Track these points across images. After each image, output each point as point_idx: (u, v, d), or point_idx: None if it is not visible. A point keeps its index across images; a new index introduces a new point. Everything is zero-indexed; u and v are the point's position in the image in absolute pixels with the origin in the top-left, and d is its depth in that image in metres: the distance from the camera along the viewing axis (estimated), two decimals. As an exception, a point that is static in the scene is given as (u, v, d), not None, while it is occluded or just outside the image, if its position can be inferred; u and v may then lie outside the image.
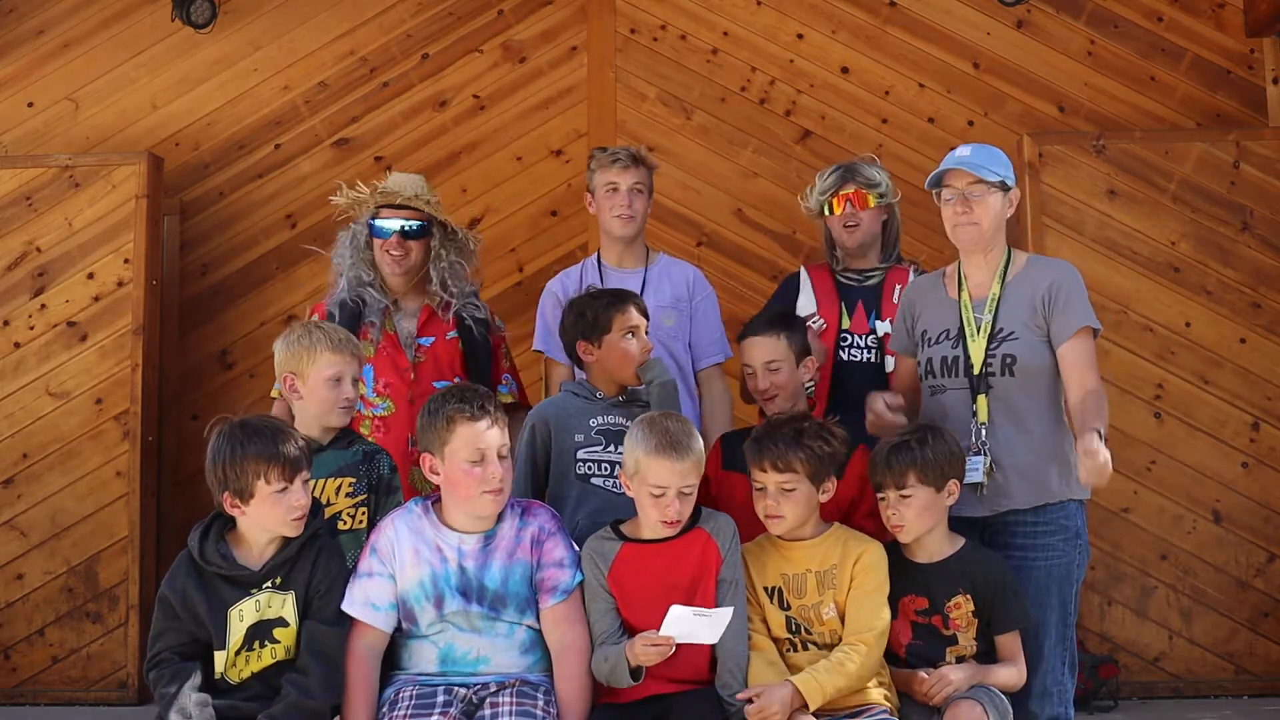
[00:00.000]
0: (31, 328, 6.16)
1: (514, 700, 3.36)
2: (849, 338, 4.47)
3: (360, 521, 3.78)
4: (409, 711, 3.33)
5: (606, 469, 3.87)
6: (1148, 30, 6.40)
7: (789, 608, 3.54)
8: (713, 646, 3.44)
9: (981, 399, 3.73)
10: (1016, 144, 6.05)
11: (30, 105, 6.59)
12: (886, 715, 3.40)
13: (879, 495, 3.63)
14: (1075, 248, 5.87)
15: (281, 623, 3.42)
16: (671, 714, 3.38)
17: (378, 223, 4.49)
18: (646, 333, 4.01)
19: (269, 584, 3.42)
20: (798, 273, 4.71)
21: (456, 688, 3.41)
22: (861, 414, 3.86)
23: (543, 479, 3.94)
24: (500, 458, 3.48)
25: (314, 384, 3.83)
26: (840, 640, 3.48)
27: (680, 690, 3.43)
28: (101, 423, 6.06)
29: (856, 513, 3.81)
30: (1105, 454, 3.40)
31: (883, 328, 4.42)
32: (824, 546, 3.57)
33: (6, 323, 6.16)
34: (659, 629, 3.33)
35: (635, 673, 3.38)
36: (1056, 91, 6.40)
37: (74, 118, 6.58)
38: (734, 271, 6.32)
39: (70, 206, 6.20)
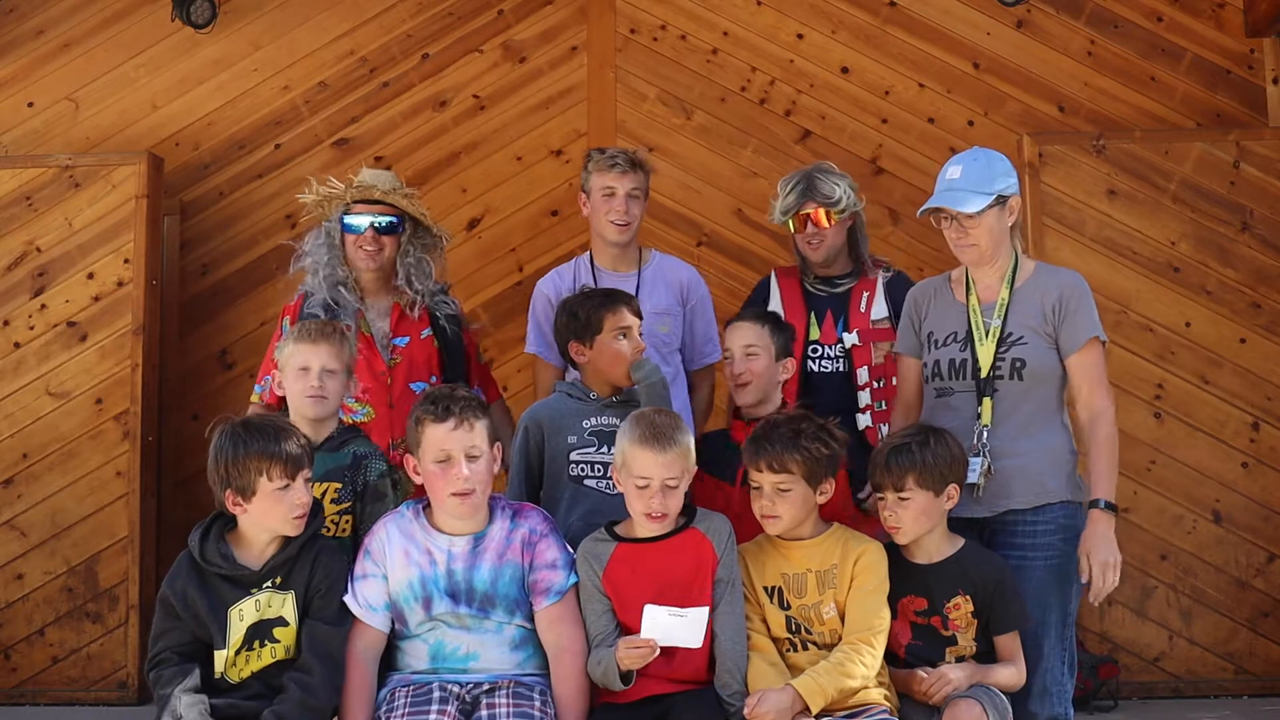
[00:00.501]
0: (31, 328, 6.16)
1: (511, 701, 3.36)
2: (819, 348, 4.46)
3: (344, 530, 3.77)
4: (406, 711, 3.33)
5: (600, 470, 3.85)
6: (1148, 30, 6.41)
7: (789, 607, 3.54)
8: (712, 646, 3.45)
9: (986, 401, 3.73)
10: (1016, 144, 6.05)
11: (30, 105, 6.59)
12: (886, 715, 3.39)
13: (878, 496, 3.63)
14: (1075, 248, 5.87)
15: (281, 622, 3.43)
16: (671, 714, 3.38)
17: (350, 219, 4.46)
18: (640, 333, 4.00)
19: (269, 584, 3.43)
20: (768, 278, 4.69)
21: (450, 686, 3.41)
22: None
23: (537, 481, 3.91)
24: (470, 459, 3.44)
25: (288, 376, 3.85)
26: (840, 640, 3.48)
27: (680, 690, 3.43)
28: (101, 423, 6.06)
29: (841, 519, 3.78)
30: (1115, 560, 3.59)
31: (849, 339, 4.42)
32: (824, 546, 3.57)
33: (6, 323, 6.17)
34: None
35: (625, 677, 3.38)
36: (1056, 91, 6.40)
37: (74, 118, 6.58)
38: (734, 271, 6.32)
39: (70, 206, 6.20)
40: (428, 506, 3.58)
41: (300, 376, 3.82)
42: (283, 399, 3.94)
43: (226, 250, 6.53)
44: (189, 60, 6.59)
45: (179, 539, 3.87)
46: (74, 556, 5.98)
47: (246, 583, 3.42)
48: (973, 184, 3.71)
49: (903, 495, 3.55)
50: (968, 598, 3.56)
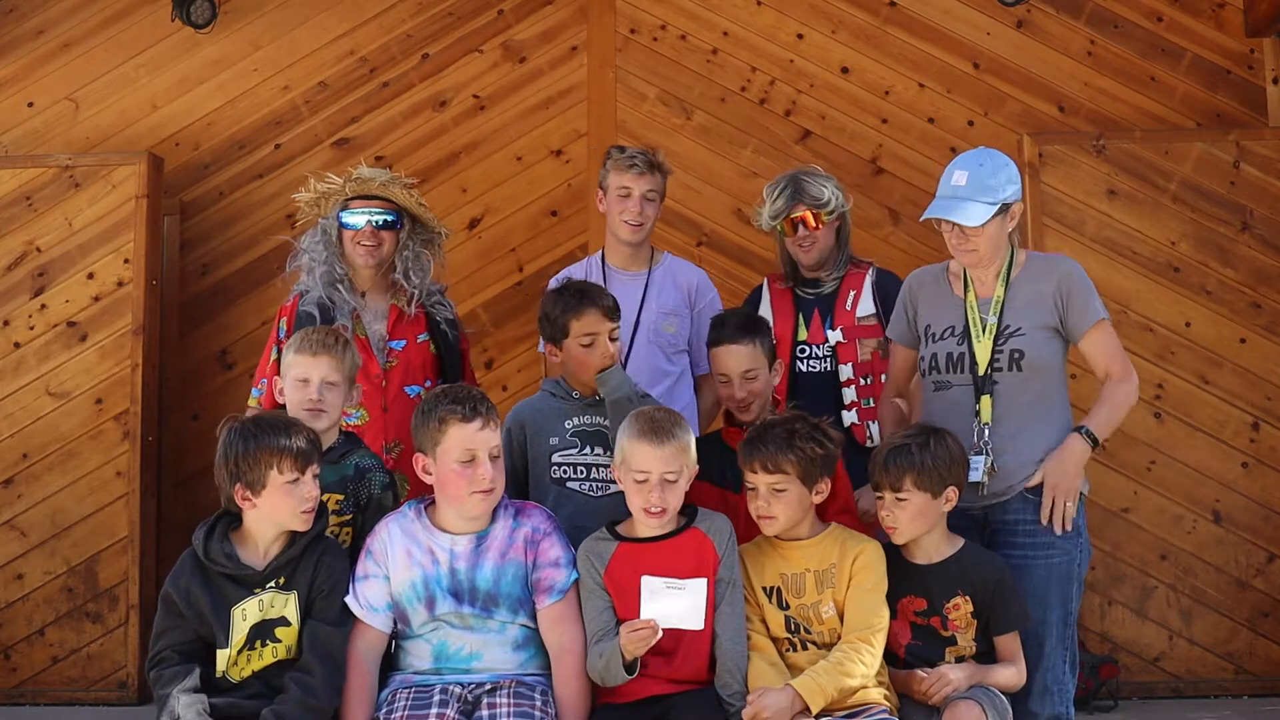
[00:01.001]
0: (31, 328, 6.16)
1: (511, 701, 3.36)
2: (807, 349, 4.47)
3: (344, 541, 3.75)
4: (406, 712, 3.33)
5: (583, 472, 3.82)
6: (1148, 30, 6.40)
7: (788, 607, 3.54)
8: (712, 647, 3.45)
9: (985, 399, 3.73)
10: (1016, 144, 6.05)
11: (30, 105, 6.59)
12: (886, 715, 3.39)
13: (876, 495, 3.63)
14: (1075, 248, 5.86)
15: (284, 622, 3.43)
16: (671, 714, 3.38)
17: (348, 216, 4.44)
18: (614, 338, 3.89)
19: (273, 583, 3.43)
20: (761, 285, 4.71)
21: (451, 687, 3.41)
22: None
23: (523, 482, 3.87)
24: (492, 459, 3.47)
25: (288, 385, 3.84)
26: (840, 639, 3.48)
27: (680, 691, 3.42)
28: (101, 423, 6.06)
29: (826, 515, 3.75)
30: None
31: (834, 335, 4.43)
32: (822, 546, 3.57)
33: (6, 323, 6.17)
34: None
35: (630, 666, 3.38)
36: (1056, 91, 6.40)
37: (74, 118, 6.58)
38: (734, 271, 6.32)
39: (70, 206, 6.20)
40: (429, 506, 3.58)
41: (299, 388, 3.79)
42: (282, 405, 3.91)
43: (226, 250, 6.53)
44: (189, 60, 6.59)
45: (179, 539, 3.88)
46: (74, 556, 5.98)
47: (250, 582, 3.42)
48: (977, 192, 3.71)
49: (900, 496, 3.55)
50: (967, 598, 3.56)
